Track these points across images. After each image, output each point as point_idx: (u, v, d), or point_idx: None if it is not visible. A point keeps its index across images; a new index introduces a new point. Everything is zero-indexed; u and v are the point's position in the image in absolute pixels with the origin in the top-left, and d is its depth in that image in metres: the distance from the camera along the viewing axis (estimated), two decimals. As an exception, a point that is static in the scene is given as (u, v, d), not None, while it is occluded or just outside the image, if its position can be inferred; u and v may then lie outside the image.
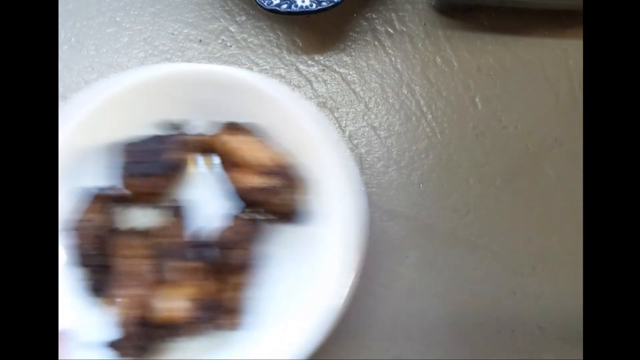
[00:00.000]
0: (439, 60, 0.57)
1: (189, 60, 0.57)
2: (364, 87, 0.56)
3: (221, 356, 0.45)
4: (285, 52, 0.57)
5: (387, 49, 0.57)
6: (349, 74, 0.57)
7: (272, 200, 0.45)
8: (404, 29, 0.57)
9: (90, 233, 0.45)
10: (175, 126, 0.49)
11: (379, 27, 0.58)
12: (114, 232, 0.45)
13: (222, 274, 0.45)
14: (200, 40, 0.58)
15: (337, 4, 0.52)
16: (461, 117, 0.55)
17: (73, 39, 0.58)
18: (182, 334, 0.44)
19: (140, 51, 0.57)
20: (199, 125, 0.48)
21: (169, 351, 0.45)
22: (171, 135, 0.48)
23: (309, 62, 0.57)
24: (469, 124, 0.55)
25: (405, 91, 0.56)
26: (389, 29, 0.58)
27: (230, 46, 0.57)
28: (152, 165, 0.44)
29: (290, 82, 0.56)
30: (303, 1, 0.52)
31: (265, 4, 0.52)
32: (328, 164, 0.46)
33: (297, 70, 0.57)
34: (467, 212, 0.53)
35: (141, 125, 0.48)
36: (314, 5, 0.51)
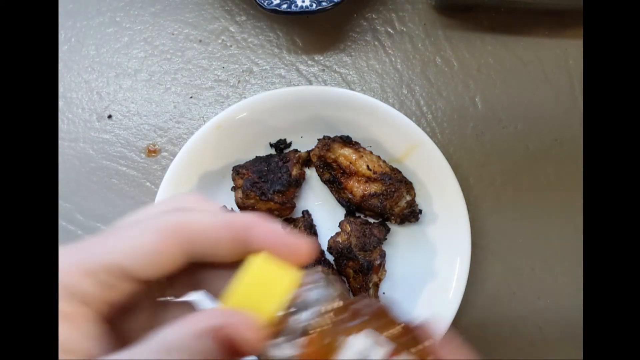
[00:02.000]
0: (439, 60, 0.57)
1: (188, 60, 0.57)
2: (364, 87, 0.56)
3: None
4: (285, 52, 0.57)
5: (387, 49, 0.57)
6: (349, 74, 0.56)
7: (384, 204, 0.49)
8: (404, 29, 0.57)
9: None
10: (288, 144, 0.53)
11: (379, 27, 0.57)
12: None
13: (364, 275, 0.48)
14: (200, 40, 0.58)
15: (337, 4, 0.52)
16: (461, 117, 0.55)
17: (73, 39, 0.58)
18: None
19: (140, 51, 0.57)
20: (310, 140, 0.52)
21: None
22: (287, 153, 0.52)
23: (309, 62, 0.57)
24: (469, 124, 0.55)
25: (405, 91, 0.56)
26: (389, 29, 0.58)
27: (230, 46, 0.57)
28: (281, 182, 0.48)
29: (291, 82, 0.56)
30: (303, 1, 0.52)
31: (265, 4, 0.52)
32: (430, 167, 0.50)
33: (297, 70, 0.57)
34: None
35: (256, 145, 0.52)
36: (314, 5, 0.51)
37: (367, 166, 0.49)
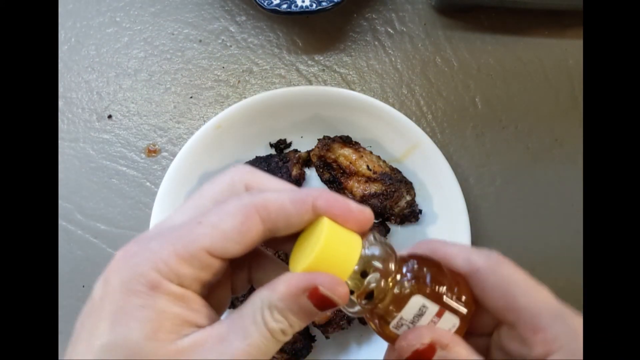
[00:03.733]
0: (439, 60, 0.57)
1: (188, 60, 0.57)
2: (364, 87, 0.56)
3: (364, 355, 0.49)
4: (285, 52, 0.57)
5: (387, 49, 0.57)
6: (349, 74, 0.57)
7: (384, 204, 0.49)
8: (404, 29, 0.57)
9: None
10: (288, 144, 0.53)
11: (379, 27, 0.58)
12: None
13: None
14: (200, 40, 0.58)
15: (337, 4, 0.52)
16: (461, 117, 0.55)
17: (73, 39, 0.58)
18: (328, 332, 0.47)
19: (140, 51, 0.57)
20: (310, 140, 0.52)
21: (314, 350, 0.49)
22: (287, 153, 0.52)
23: (309, 62, 0.57)
24: (469, 124, 0.55)
25: (405, 91, 0.56)
26: (389, 29, 0.58)
27: (230, 46, 0.57)
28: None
29: (291, 82, 0.56)
30: (303, 1, 0.52)
31: (265, 4, 0.52)
32: (430, 167, 0.50)
33: (297, 70, 0.57)
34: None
35: (256, 145, 0.52)
36: (314, 5, 0.51)
37: (367, 166, 0.49)
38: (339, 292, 0.24)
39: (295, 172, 0.50)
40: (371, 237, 0.26)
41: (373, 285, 0.25)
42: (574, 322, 0.26)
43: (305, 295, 0.24)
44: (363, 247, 0.26)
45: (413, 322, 0.26)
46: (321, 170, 0.51)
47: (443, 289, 0.26)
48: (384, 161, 0.51)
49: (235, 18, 0.58)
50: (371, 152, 0.51)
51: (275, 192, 0.26)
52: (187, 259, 0.24)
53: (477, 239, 0.52)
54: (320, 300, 0.24)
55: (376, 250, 0.26)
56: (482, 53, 0.57)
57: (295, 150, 0.52)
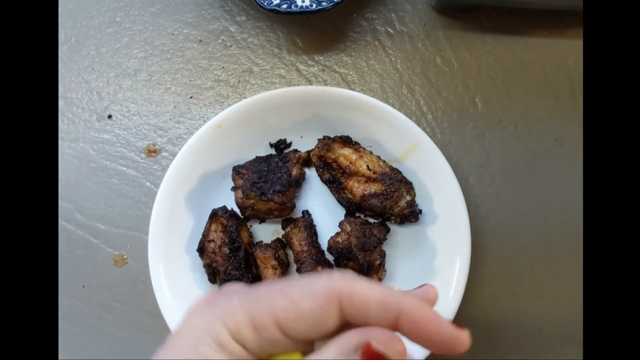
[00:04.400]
0: (439, 60, 0.57)
1: (188, 60, 0.57)
2: (364, 87, 0.56)
3: None
4: (285, 52, 0.57)
5: (387, 49, 0.57)
6: (349, 74, 0.56)
7: (384, 204, 0.49)
8: (404, 29, 0.57)
9: (219, 251, 0.48)
10: (288, 144, 0.53)
11: (379, 27, 0.58)
12: (243, 247, 0.49)
13: (364, 275, 0.48)
14: (200, 40, 0.58)
15: (337, 4, 0.52)
16: (461, 117, 0.55)
17: (73, 39, 0.58)
18: None
19: (140, 51, 0.57)
20: (310, 140, 0.52)
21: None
22: (287, 153, 0.52)
23: (309, 62, 0.57)
24: (469, 124, 0.55)
25: (405, 91, 0.56)
26: (389, 29, 0.58)
27: (230, 46, 0.57)
28: (281, 182, 0.48)
29: (291, 82, 0.56)
30: (303, 1, 0.52)
31: (265, 4, 0.52)
32: (430, 167, 0.50)
33: (297, 70, 0.57)
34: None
35: (256, 145, 0.52)
36: (314, 5, 0.51)
37: (367, 166, 0.49)
38: (394, 348, 0.22)
39: (295, 172, 0.50)
40: None
41: None
42: None
43: (358, 353, 0.22)
44: None
45: None
46: (321, 170, 0.51)
47: None
48: (384, 161, 0.51)
49: (235, 18, 0.58)
50: (371, 152, 0.51)
51: (366, 285, 0.24)
52: (257, 327, 0.23)
53: (477, 239, 0.52)
54: (373, 357, 0.22)
55: None
56: (482, 53, 0.57)
57: (295, 150, 0.52)
